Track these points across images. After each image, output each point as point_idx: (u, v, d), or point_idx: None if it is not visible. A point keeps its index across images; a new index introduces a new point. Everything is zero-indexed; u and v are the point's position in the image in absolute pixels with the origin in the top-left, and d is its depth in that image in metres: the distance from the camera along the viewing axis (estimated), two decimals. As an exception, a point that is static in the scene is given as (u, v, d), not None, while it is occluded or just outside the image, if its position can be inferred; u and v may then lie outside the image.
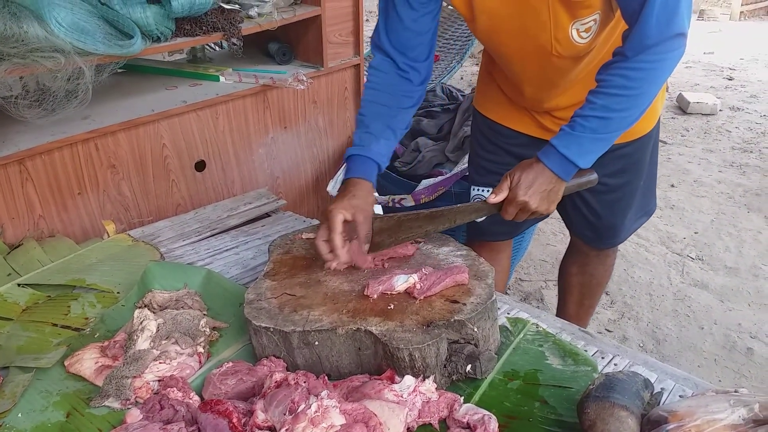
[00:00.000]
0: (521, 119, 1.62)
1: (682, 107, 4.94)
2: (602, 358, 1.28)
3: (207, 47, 2.57)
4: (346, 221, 1.33)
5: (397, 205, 2.37)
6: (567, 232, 1.93)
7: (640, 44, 1.20)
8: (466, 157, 2.29)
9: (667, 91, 5.34)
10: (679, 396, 1.17)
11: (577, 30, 1.31)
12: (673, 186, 3.73)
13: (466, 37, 3.96)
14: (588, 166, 1.32)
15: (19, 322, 1.39)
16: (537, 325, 1.36)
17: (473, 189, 1.74)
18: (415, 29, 1.43)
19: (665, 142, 4.32)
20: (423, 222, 1.38)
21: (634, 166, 1.64)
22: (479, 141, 1.76)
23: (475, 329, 1.17)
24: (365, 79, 1.50)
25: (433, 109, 2.76)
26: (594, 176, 1.43)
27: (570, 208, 1.74)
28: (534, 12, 1.31)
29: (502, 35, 1.42)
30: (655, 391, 1.11)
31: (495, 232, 1.80)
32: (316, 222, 1.82)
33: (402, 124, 1.48)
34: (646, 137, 1.60)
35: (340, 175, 2.53)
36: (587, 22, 1.30)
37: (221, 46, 2.73)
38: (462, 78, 5.48)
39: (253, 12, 2.16)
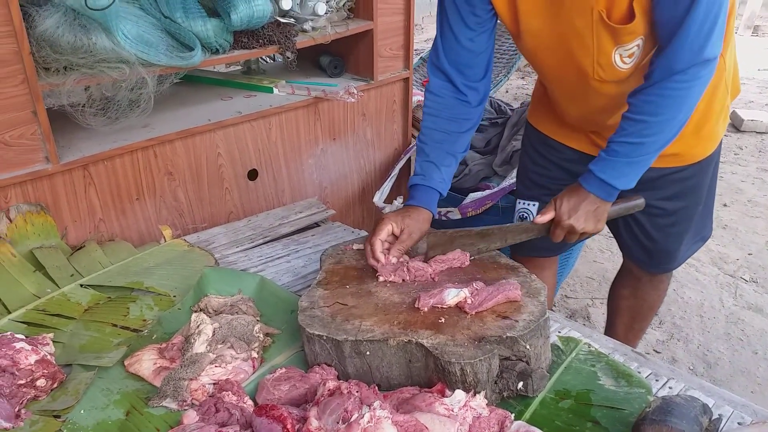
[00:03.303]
0: (573, 135, 1.62)
1: (735, 125, 4.81)
2: (656, 380, 1.25)
3: (261, 59, 2.63)
4: (393, 234, 1.42)
5: (444, 218, 2.38)
6: (614, 249, 1.91)
7: (670, 69, 1.22)
8: (514, 171, 2.28)
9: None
10: (738, 423, 1.14)
11: (620, 55, 1.31)
12: (725, 205, 3.63)
13: (513, 51, 3.95)
14: (627, 187, 1.35)
15: (82, 321, 1.44)
16: (589, 344, 1.34)
17: (519, 203, 1.75)
18: (472, 48, 1.44)
19: (717, 160, 4.21)
20: (475, 239, 1.43)
21: (693, 190, 1.61)
22: (529, 155, 1.76)
23: (528, 346, 1.16)
24: (423, 104, 1.55)
25: (481, 122, 2.76)
26: (641, 201, 1.47)
27: (625, 231, 1.71)
28: (578, 36, 1.31)
29: (546, 56, 1.43)
30: (713, 417, 1.08)
31: (540, 248, 1.78)
32: (364, 233, 1.84)
33: (461, 148, 1.52)
34: (705, 161, 1.57)
35: (386, 187, 2.55)
36: (630, 48, 1.30)
37: (275, 59, 2.79)
38: (507, 91, 5.46)
39: (307, 26, 2.20)
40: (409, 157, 2.69)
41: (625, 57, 1.31)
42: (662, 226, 1.65)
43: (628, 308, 1.93)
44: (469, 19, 1.40)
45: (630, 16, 1.23)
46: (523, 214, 1.73)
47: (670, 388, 1.23)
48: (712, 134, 1.53)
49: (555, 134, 1.65)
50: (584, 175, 1.37)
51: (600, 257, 3.10)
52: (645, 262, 1.77)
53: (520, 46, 1.44)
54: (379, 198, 2.52)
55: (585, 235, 1.40)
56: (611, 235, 1.83)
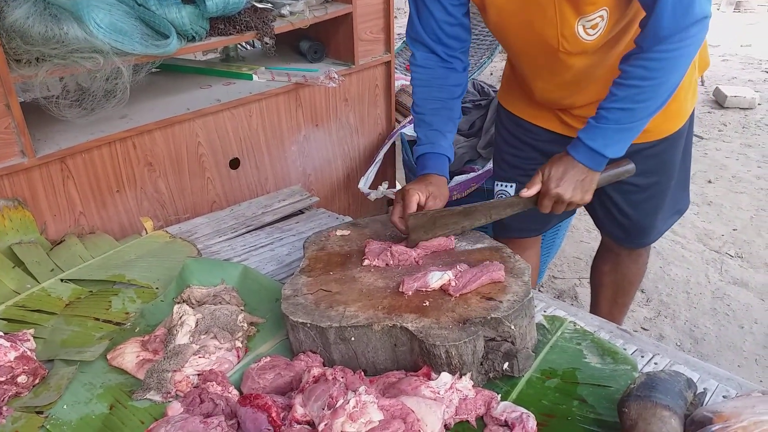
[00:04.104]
0: (545, 115, 1.61)
1: (719, 101, 4.82)
2: (642, 357, 1.26)
3: (240, 46, 2.59)
4: (419, 204, 1.40)
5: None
6: (601, 230, 1.89)
7: (656, 36, 1.20)
8: (499, 153, 2.27)
9: (702, 84, 5.21)
10: (723, 396, 1.14)
11: (584, 26, 1.30)
12: (710, 182, 3.65)
13: (497, 32, 3.93)
14: (616, 155, 1.34)
15: (63, 316, 1.42)
16: (574, 323, 1.34)
17: (497, 185, 1.75)
18: (448, 20, 1.44)
19: (701, 137, 4.22)
20: (458, 218, 1.40)
21: (664, 165, 1.61)
22: (503, 136, 1.76)
23: (512, 327, 1.16)
24: (411, 77, 1.55)
25: (465, 105, 2.74)
26: (631, 166, 1.44)
27: (599, 207, 1.71)
28: (540, 8, 1.31)
29: (511, 30, 1.42)
30: (698, 391, 1.08)
31: (522, 228, 1.78)
32: (348, 219, 1.83)
33: (457, 114, 1.53)
34: (675, 136, 1.56)
35: (371, 173, 2.54)
36: (593, 19, 1.29)
37: (253, 45, 2.76)
38: (492, 74, 5.44)
39: (285, 11, 2.17)
40: (393, 143, 2.67)
41: (589, 28, 1.30)
42: (636, 201, 1.65)
43: (610, 284, 1.94)
44: None
45: None
46: (501, 196, 1.72)
47: (655, 363, 1.24)
48: (680, 109, 1.53)
49: (526, 114, 1.65)
50: (572, 143, 1.34)
51: (587, 237, 3.11)
52: (621, 237, 1.77)
53: (486, 20, 1.43)
54: (364, 184, 2.50)
55: (572, 206, 1.37)
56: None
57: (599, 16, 1.28)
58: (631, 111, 1.28)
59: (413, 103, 1.53)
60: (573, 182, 1.33)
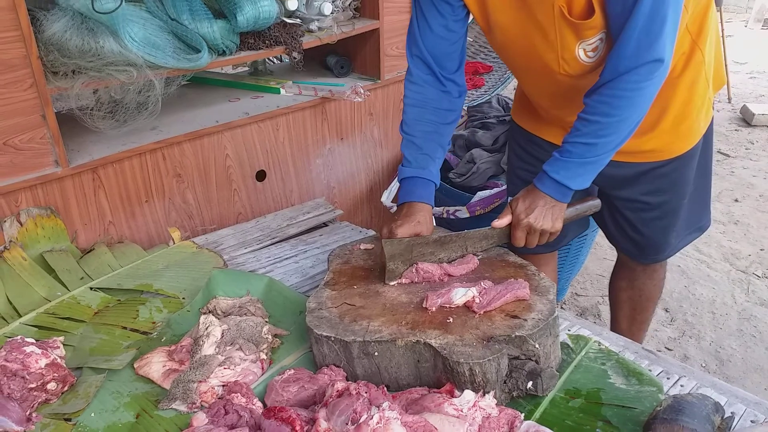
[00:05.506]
0: (554, 131, 1.61)
1: (746, 119, 4.75)
2: (667, 378, 1.24)
3: (268, 60, 2.63)
4: None
5: (452, 217, 2.37)
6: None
7: (616, 67, 1.22)
8: (522, 169, 2.27)
9: (729, 102, 5.15)
10: (751, 421, 1.13)
11: (584, 50, 1.31)
12: (737, 201, 3.60)
13: (521, 47, 3.93)
14: (581, 187, 1.36)
15: (92, 324, 1.45)
16: (599, 342, 1.33)
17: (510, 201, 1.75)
18: (447, 37, 1.44)
19: (728, 155, 4.17)
20: (433, 247, 1.40)
21: (675, 184, 1.60)
22: (516, 152, 1.76)
23: (537, 345, 1.15)
24: (405, 95, 1.52)
25: (489, 120, 2.75)
26: (596, 201, 1.49)
27: (612, 224, 1.71)
28: (542, 31, 1.32)
29: (514, 51, 1.43)
30: (725, 416, 1.07)
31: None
32: (372, 233, 1.84)
33: (447, 140, 1.53)
34: (687, 155, 1.55)
35: (393, 186, 2.55)
36: (593, 42, 1.30)
37: (281, 60, 2.79)
38: (515, 88, 5.44)
39: (313, 26, 2.20)
40: (417, 156, 2.68)
41: (589, 51, 1.31)
42: (647, 219, 1.65)
43: (628, 300, 1.92)
44: (441, 7, 1.40)
45: (589, 12, 1.24)
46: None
47: (681, 386, 1.22)
48: (692, 129, 1.52)
49: (537, 130, 1.65)
50: (538, 176, 1.38)
51: (610, 254, 3.08)
52: (635, 253, 1.77)
53: (491, 41, 1.44)
54: (386, 197, 2.51)
55: (544, 236, 1.39)
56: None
57: (599, 39, 1.29)
58: (593, 146, 1.30)
59: (402, 122, 1.51)
60: (542, 211, 1.36)
